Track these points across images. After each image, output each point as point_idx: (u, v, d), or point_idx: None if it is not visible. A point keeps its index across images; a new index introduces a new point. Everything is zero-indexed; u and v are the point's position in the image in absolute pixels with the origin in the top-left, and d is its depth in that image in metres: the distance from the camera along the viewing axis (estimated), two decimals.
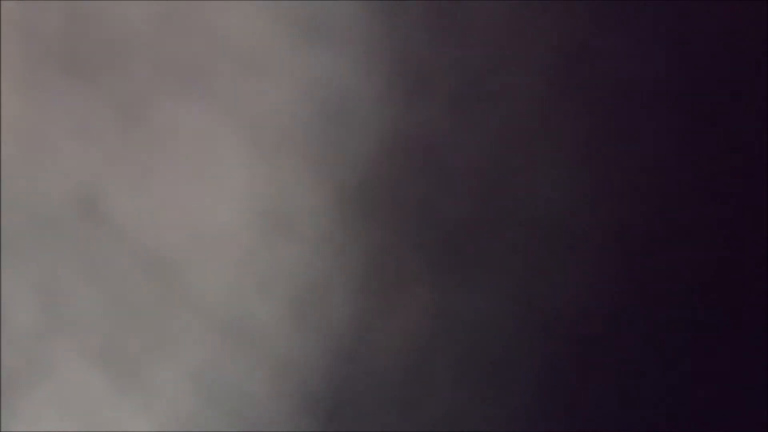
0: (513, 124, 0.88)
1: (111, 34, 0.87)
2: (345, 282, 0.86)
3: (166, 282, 0.86)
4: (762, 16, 0.89)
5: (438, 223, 0.87)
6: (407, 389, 0.86)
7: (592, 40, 0.89)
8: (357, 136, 0.87)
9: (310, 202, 0.86)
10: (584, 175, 0.88)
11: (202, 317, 0.86)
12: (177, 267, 0.86)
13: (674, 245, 0.88)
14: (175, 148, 0.86)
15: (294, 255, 0.86)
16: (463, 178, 0.87)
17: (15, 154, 0.86)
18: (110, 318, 0.86)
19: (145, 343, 0.85)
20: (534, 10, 0.88)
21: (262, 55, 0.87)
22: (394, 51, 0.87)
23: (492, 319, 0.87)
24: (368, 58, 0.87)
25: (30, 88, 0.86)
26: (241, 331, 0.86)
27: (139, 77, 0.87)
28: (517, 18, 0.88)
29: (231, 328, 0.86)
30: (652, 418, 0.88)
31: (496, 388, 0.87)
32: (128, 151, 0.86)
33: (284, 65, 0.87)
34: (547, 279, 0.87)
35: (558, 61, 0.88)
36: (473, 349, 0.87)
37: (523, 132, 0.88)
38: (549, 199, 0.88)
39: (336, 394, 0.86)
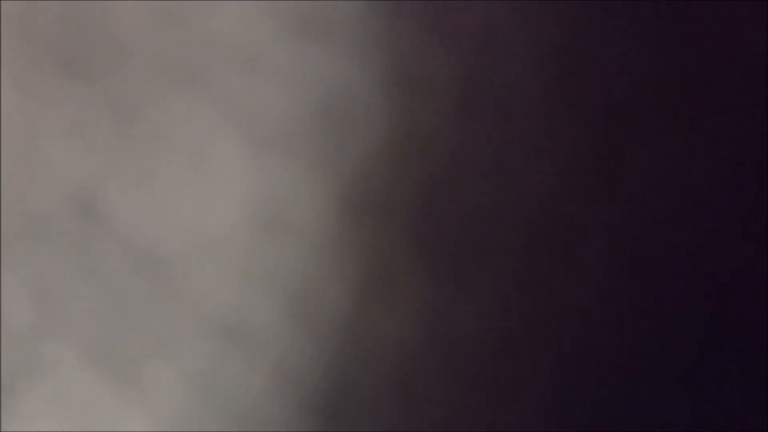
0: (512, 124, 0.88)
1: (109, 34, 0.87)
2: (344, 282, 0.86)
3: (164, 282, 0.86)
4: (762, 16, 0.90)
5: (437, 223, 0.87)
6: (406, 389, 0.86)
7: (592, 40, 0.89)
8: (356, 136, 0.87)
9: (309, 201, 0.86)
10: (584, 176, 0.88)
11: (200, 317, 0.85)
12: (175, 267, 0.86)
13: (675, 245, 0.88)
14: (173, 147, 0.86)
15: (293, 255, 0.86)
16: (463, 178, 0.87)
17: (12, 154, 0.86)
18: (108, 318, 0.85)
19: (143, 343, 0.85)
20: (533, 10, 0.88)
21: (260, 54, 0.87)
22: (393, 51, 0.87)
23: (491, 319, 0.87)
24: (367, 58, 0.87)
25: (27, 88, 0.86)
26: (239, 331, 0.86)
27: (136, 77, 0.86)
28: (516, 18, 0.88)
29: (229, 327, 0.86)
30: (652, 420, 0.88)
31: (494, 387, 0.87)
32: (126, 150, 0.86)
33: (283, 65, 0.87)
34: (546, 279, 0.87)
35: (557, 61, 0.88)
36: (472, 348, 0.87)
37: (522, 132, 0.88)
38: (549, 199, 0.88)
39: (335, 394, 0.86)
